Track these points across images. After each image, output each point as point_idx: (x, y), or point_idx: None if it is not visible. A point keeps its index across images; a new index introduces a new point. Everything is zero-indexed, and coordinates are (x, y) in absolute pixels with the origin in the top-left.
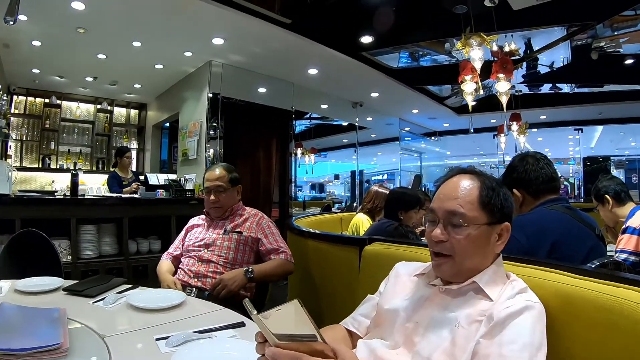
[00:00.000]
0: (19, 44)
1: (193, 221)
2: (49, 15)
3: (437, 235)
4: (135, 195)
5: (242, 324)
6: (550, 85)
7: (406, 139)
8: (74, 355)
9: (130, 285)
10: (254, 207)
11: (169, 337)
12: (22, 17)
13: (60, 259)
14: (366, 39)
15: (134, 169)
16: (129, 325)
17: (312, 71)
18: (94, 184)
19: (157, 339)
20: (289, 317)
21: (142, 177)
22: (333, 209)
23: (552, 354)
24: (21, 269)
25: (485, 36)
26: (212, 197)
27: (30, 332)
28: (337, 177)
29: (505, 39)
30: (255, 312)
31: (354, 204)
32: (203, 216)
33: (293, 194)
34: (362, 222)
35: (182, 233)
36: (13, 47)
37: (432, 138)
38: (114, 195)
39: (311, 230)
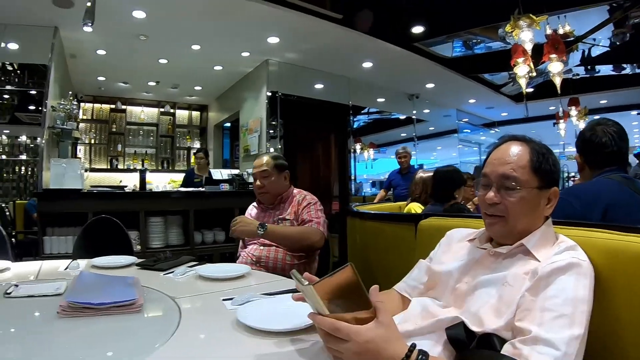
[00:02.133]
0: (84, 54)
1: (248, 210)
2: (111, 25)
3: (490, 197)
4: (201, 189)
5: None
6: (610, 67)
7: (465, 130)
8: (147, 311)
9: (198, 262)
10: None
11: (234, 297)
12: (86, 29)
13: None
14: (417, 29)
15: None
16: (199, 290)
17: (367, 65)
18: (160, 182)
19: (223, 300)
20: (340, 283)
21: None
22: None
23: (598, 309)
24: (95, 251)
25: (534, 17)
26: (258, 182)
27: (107, 292)
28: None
29: (559, 20)
30: (307, 282)
31: None
32: (256, 203)
33: (353, 190)
34: (414, 209)
35: None
36: (79, 57)
37: (492, 130)
38: (181, 189)
39: (368, 210)
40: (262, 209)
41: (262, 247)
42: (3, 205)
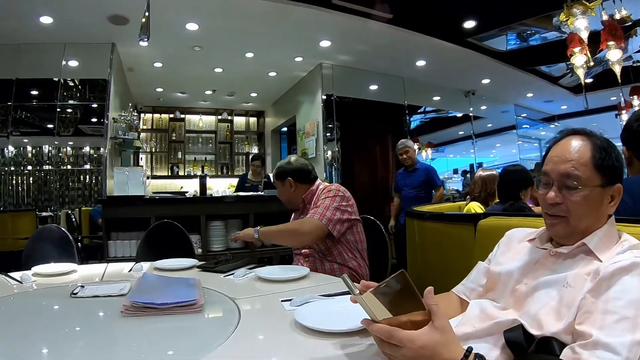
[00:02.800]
0: (142, 67)
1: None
2: (166, 39)
3: (552, 197)
4: (260, 193)
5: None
6: None
7: (524, 126)
8: (207, 311)
9: (258, 264)
10: (372, 203)
11: (292, 299)
12: (142, 43)
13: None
14: (469, 24)
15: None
16: (258, 292)
17: (420, 63)
18: (219, 187)
19: (281, 300)
20: (394, 290)
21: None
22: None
23: None
24: (157, 255)
25: (587, 3)
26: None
27: (169, 292)
28: (455, 171)
29: (614, 5)
30: (358, 291)
31: None
32: None
33: None
34: (474, 209)
35: None
36: (137, 70)
37: (552, 124)
38: (242, 194)
39: (426, 210)
40: (296, 215)
41: (304, 259)
42: (69, 212)
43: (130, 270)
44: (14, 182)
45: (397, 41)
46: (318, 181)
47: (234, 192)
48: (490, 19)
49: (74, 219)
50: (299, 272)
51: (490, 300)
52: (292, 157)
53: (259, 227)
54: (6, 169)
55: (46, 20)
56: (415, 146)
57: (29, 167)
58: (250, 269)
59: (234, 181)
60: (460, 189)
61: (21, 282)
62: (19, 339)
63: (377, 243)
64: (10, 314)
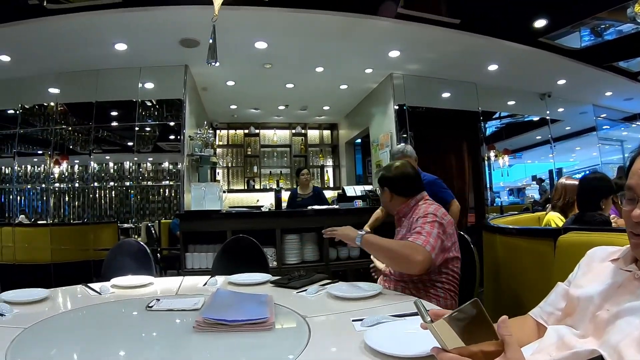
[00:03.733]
0: (215, 86)
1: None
2: (237, 58)
3: (637, 215)
4: (335, 206)
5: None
6: None
7: (604, 127)
8: (278, 329)
9: (331, 280)
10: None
11: (363, 319)
12: (214, 64)
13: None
14: (540, 23)
15: (331, 184)
16: (329, 310)
17: (492, 67)
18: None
19: (352, 320)
20: (467, 318)
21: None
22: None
23: None
24: (233, 268)
25: None
26: None
27: (241, 309)
28: (534, 178)
29: None
30: (429, 318)
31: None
32: None
33: (489, 200)
34: (554, 220)
35: None
36: (210, 89)
37: (634, 123)
38: (317, 207)
39: (501, 225)
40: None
41: (385, 278)
42: (149, 224)
43: (205, 284)
44: (97, 195)
45: (466, 46)
46: (421, 194)
47: (286, 208)
48: (561, 15)
49: (153, 231)
50: (370, 290)
51: (569, 326)
52: (397, 163)
53: (363, 232)
54: (90, 184)
55: (121, 47)
56: (492, 154)
57: (111, 183)
58: (322, 285)
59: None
60: (538, 197)
61: (100, 293)
62: (96, 348)
63: (463, 263)
64: (89, 324)
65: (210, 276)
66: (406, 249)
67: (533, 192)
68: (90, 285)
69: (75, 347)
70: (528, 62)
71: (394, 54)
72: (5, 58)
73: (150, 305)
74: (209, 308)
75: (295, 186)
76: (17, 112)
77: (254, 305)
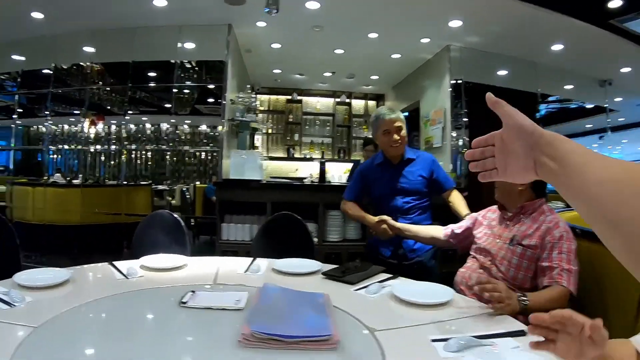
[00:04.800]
0: (259, 48)
1: (482, 213)
2: (285, 19)
3: None
4: None
5: (522, 333)
6: None
7: None
8: (343, 348)
9: (390, 275)
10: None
11: (446, 339)
12: (260, 24)
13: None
14: (615, 3)
15: None
16: (398, 320)
17: (556, 47)
18: (336, 172)
19: (432, 340)
20: None
21: None
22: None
23: None
24: (275, 248)
25: None
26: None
27: (296, 319)
28: None
29: None
30: None
31: None
32: (497, 207)
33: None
34: None
35: (469, 221)
36: (254, 51)
37: None
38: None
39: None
40: (500, 218)
41: (480, 270)
42: (184, 188)
43: (247, 270)
44: (132, 157)
45: (533, 21)
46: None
47: (347, 180)
48: None
49: (187, 195)
50: (443, 295)
51: None
52: None
53: (525, 297)
54: (126, 145)
55: (160, 2)
56: None
57: (148, 144)
58: (382, 281)
59: (351, 166)
60: None
61: (127, 277)
62: (121, 348)
63: None
64: (111, 324)
65: (251, 259)
66: (559, 301)
67: None
68: (117, 264)
69: (95, 358)
70: (594, 45)
71: (455, 23)
72: (39, 15)
73: (183, 300)
74: (258, 315)
75: (337, 157)
76: (51, 71)
77: (312, 312)
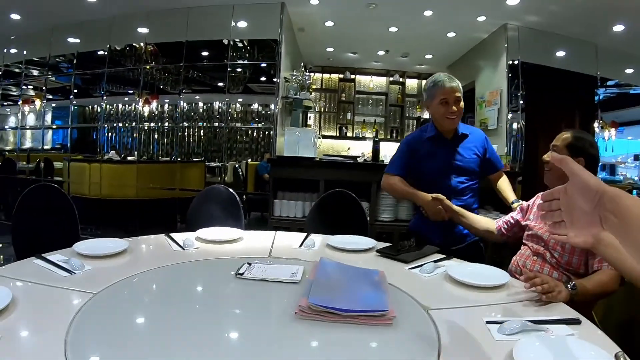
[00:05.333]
0: (313, 27)
1: (532, 201)
2: None
3: None
4: None
5: (577, 321)
6: None
7: None
8: (398, 325)
9: (444, 255)
10: None
11: (501, 322)
12: (313, 2)
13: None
14: None
15: None
16: (453, 300)
17: (618, 28)
18: (389, 152)
19: (486, 322)
20: None
21: None
22: None
23: None
24: (329, 225)
25: None
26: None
27: (353, 293)
28: (637, 157)
29: None
30: None
31: None
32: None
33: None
34: None
35: (518, 214)
36: (307, 30)
37: None
38: None
39: None
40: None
41: (534, 257)
42: (237, 165)
43: (301, 245)
44: (186, 134)
45: (594, 0)
46: None
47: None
48: None
49: (240, 172)
50: (497, 278)
51: None
52: (591, 138)
53: (573, 284)
54: (179, 123)
55: None
56: (596, 124)
57: (200, 122)
58: (437, 261)
59: None
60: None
61: (183, 248)
62: (177, 325)
63: None
64: (169, 292)
65: (305, 234)
66: (610, 284)
67: (628, 171)
68: (173, 236)
69: (152, 324)
70: None
71: (513, 1)
72: None
73: (240, 272)
74: (315, 288)
75: (389, 137)
76: (106, 53)
77: (368, 288)
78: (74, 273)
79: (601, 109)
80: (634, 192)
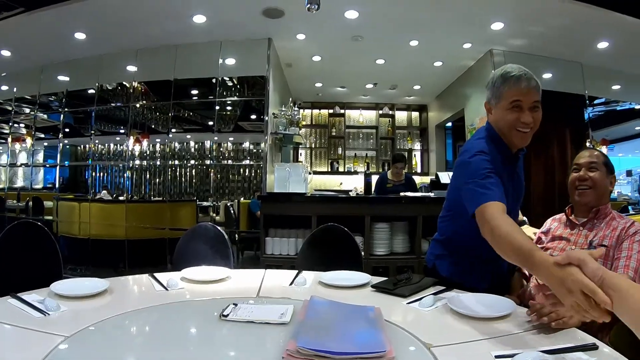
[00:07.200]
0: (300, 62)
1: (547, 224)
2: (324, 30)
3: None
4: (431, 194)
5: (594, 346)
6: None
7: None
8: None
9: (444, 287)
10: (550, 209)
11: (512, 355)
12: (300, 37)
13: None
14: None
15: (419, 169)
16: (457, 334)
17: (602, 45)
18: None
19: (496, 357)
20: None
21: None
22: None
23: None
24: (321, 261)
25: None
26: (583, 173)
27: (346, 333)
28: (629, 173)
29: None
30: None
31: None
32: (559, 216)
33: None
34: None
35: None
36: (295, 65)
37: None
38: (410, 194)
39: None
40: (569, 225)
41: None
42: (229, 204)
43: (292, 283)
44: (177, 174)
45: (576, 19)
46: None
47: (373, 192)
48: None
49: (232, 211)
50: (503, 307)
51: None
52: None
53: None
54: (170, 162)
55: (200, 19)
56: (587, 144)
57: (192, 161)
58: (436, 293)
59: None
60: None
61: (167, 289)
62: None
63: None
64: (147, 335)
65: (296, 272)
66: None
67: (622, 188)
68: (157, 276)
69: None
70: None
71: (497, 26)
72: (81, 36)
73: (225, 313)
74: (304, 329)
75: (381, 170)
76: (95, 91)
77: (363, 327)
78: (48, 314)
79: (591, 128)
80: (630, 207)
